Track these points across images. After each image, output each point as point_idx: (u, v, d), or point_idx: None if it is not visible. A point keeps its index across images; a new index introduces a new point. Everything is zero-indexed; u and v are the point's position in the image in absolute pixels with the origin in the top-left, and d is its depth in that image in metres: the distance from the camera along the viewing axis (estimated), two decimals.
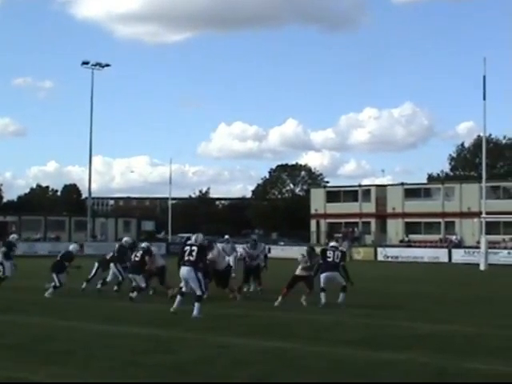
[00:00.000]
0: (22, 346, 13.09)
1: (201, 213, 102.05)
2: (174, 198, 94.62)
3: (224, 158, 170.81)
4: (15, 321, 16.08)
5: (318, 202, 76.54)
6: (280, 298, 19.85)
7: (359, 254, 60.36)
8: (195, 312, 16.91)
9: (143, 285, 21.02)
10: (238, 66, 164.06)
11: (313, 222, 76.10)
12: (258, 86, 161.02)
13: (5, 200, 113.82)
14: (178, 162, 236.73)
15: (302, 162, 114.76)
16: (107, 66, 69.00)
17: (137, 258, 21.40)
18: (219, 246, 23.94)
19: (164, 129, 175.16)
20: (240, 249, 25.94)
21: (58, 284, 21.64)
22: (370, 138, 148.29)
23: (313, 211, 76.66)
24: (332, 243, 21.87)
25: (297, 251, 63.26)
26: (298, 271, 20.34)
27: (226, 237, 30.07)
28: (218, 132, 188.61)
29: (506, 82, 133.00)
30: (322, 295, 19.56)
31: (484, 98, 46.79)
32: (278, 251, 58.42)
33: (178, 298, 17.91)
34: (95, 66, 67.82)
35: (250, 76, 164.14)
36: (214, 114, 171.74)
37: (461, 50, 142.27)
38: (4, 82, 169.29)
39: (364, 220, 73.26)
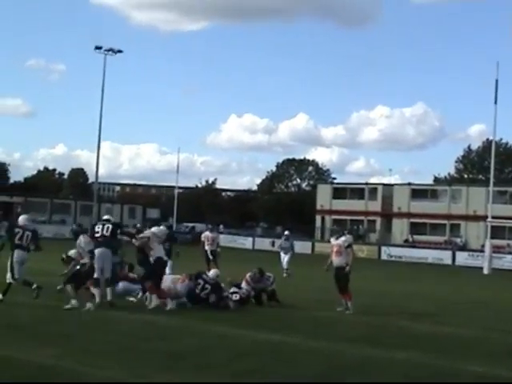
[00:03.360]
0: (22, 327, 13.19)
1: (206, 203, 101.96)
2: (180, 187, 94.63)
3: (233, 150, 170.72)
4: (17, 302, 16.14)
5: (324, 197, 76.47)
6: None
7: (363, 252, 60.27)
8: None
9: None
10: (252, 58, 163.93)
11: (318, 218, 76.07)
12: (270, 78, 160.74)
13: (12, 181, 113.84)
14: (187, 152, 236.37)
15: (310, 157, 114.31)
16: (120, 51, 68.90)
17: None
18: None
19: (174, 117, 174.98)
20: None
21: None
22: (380, 137, 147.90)
23: (318, 207, 76.60)
24: (105, 217, 18.08)
25: (300, 246, 63.97)
26: None
27: (286, 233, 31.74)
28: (228, 123, 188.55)
29: None
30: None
31: (495, 102, 46.73)
32: None
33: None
34: (108, 51, 67.70)
35: (264, 68, 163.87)
36: (226, 105, 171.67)
37: (475, 53, 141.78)
38: (17, 63, 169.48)
39: (369, 218, 73.24)
